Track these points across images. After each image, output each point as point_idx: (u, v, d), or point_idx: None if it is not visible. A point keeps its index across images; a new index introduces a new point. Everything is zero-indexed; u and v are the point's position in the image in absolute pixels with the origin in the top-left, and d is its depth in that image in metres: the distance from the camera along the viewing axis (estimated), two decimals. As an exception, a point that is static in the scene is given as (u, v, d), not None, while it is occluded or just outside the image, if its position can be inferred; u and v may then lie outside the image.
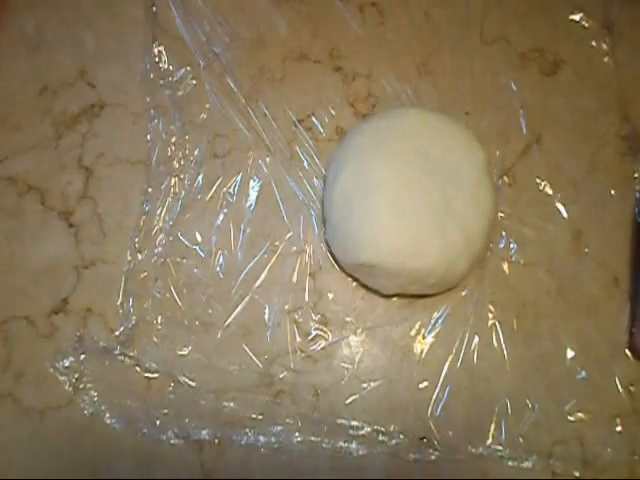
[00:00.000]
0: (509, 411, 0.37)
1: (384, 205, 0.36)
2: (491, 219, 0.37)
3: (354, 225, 0.36)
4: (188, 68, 0.43)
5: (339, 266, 0.39)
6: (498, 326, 0.39)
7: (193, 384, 0.37)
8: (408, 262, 0.35)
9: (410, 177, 0.36)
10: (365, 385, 0.38)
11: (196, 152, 0.41)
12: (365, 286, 0.39)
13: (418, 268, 0.35)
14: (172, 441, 0.36)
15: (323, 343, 0.38)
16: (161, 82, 0.42)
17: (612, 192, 0.41)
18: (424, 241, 0.35)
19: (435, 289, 0.38)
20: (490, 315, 0.39)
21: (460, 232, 0.36)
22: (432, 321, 0.39)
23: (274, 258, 0.39)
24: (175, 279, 0.39)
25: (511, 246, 0.40)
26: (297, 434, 0.36)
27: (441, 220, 0.36)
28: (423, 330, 0.39)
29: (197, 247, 0.40)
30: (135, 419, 0.36)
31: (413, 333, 0.39)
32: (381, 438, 0.37)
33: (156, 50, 0.43)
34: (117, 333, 0.38)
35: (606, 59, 0.44)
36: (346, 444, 0.36)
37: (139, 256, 0.39)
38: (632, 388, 0.38)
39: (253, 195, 0.41)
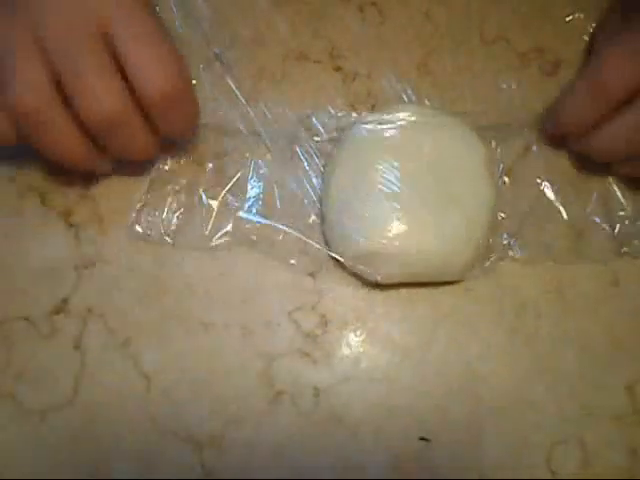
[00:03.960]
0: (509, 411, 0.37)
1: (383, 197, 0.36)
2: (492, 209, 0.38)
3: (352, 216, 0.37)
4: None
5: (340, 266, 0.39)
6: (498, 326, 0.39)
7: (193, 384, 0.37)
8: (409, 247, 0.36)
9: (409, 170, 0.37)
10: (365, 385, 0.38)
11: (196, 152, 0.41)
12: (365, 286, 0.39)
13: (420, 251, 0.36)
14: (172, 441, 0.36)
15: (323, 343, 0.38)
16: (161, 82, 0.42)
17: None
18: (425, 226, 0.36)
19: (438, 277, 0.38)
20: (490, 315, 0.39)
21: (461, 218, 0.37)
22: (432, 321, 0.39)
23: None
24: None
25: (511, 246, 0.40)
26: (297, 434, 0.36)
27: (442, 208, 0.37)
28: (423, 330, 0.39)
29: (197, 247, 0.40)
30: (135, 419, 0.36)
31: (413, 333, 0.39)
32: (381, 438, 0.37)
33: (156, 50, 0.43)
34: (117, 333, 0.38)
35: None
36: (346, 444, 0.36)
37: (139, 256, 0.39)
38: (632, 388, 0.38)
39: (253, 195, 0.41)
